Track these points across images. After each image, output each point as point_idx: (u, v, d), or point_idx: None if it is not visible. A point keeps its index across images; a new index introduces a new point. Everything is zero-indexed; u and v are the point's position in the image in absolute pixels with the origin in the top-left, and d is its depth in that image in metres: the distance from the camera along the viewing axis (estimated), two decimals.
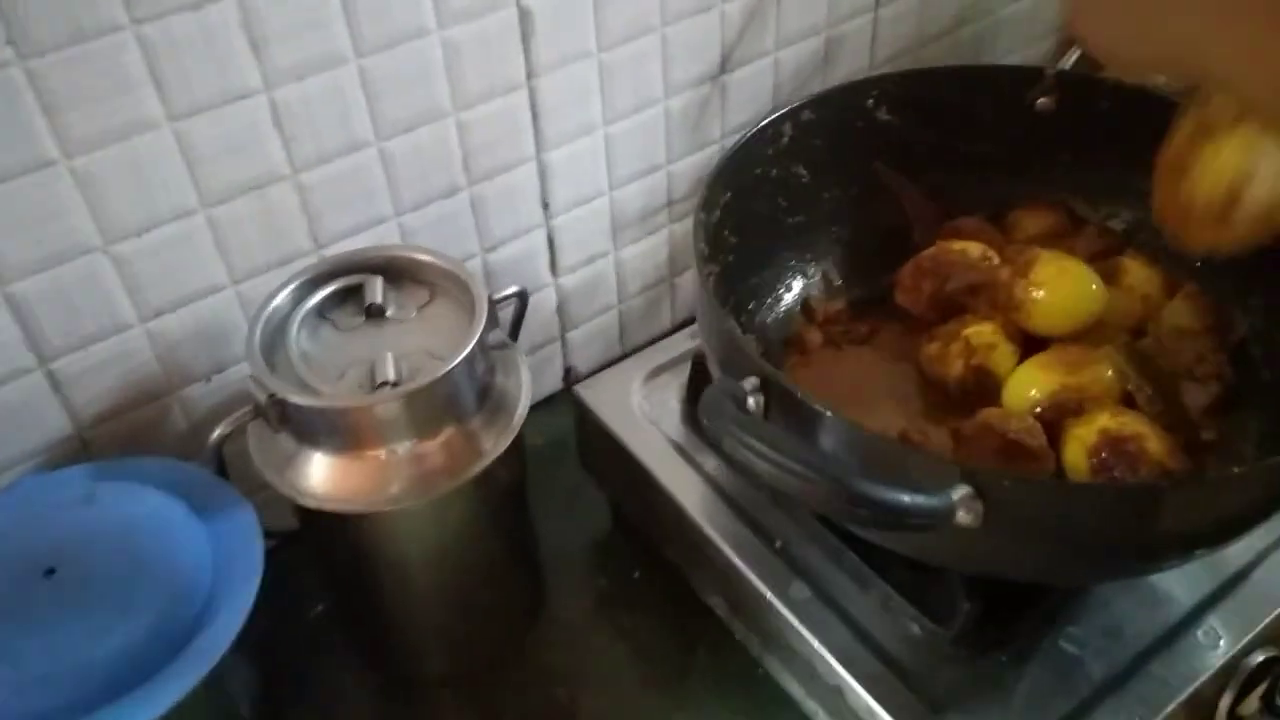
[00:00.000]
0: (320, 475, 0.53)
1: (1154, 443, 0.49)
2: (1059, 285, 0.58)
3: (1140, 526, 0.42)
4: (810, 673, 0.54)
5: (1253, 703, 0.50)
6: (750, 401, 0.45)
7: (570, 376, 0.82)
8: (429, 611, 0.62)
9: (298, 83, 0.56)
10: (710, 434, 0.41)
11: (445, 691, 0.64)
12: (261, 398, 0.51)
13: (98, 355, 0.57)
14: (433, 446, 0.53)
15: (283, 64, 0.55)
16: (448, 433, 0.54)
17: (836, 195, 0.66)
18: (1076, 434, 0.52)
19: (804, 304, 0.66)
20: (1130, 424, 0.50)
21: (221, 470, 0.54)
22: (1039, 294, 0.57)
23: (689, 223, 0.80)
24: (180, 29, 0.51)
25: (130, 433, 0.60)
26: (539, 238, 0.73)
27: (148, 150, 0.53)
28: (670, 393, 0.66)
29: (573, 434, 0.69)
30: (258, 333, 0.53)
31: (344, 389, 0.52)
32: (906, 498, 0.38)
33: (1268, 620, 0.52)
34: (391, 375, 0.52)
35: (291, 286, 0.56)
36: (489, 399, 0.56)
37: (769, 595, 0.55)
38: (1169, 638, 0.51)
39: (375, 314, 0.56)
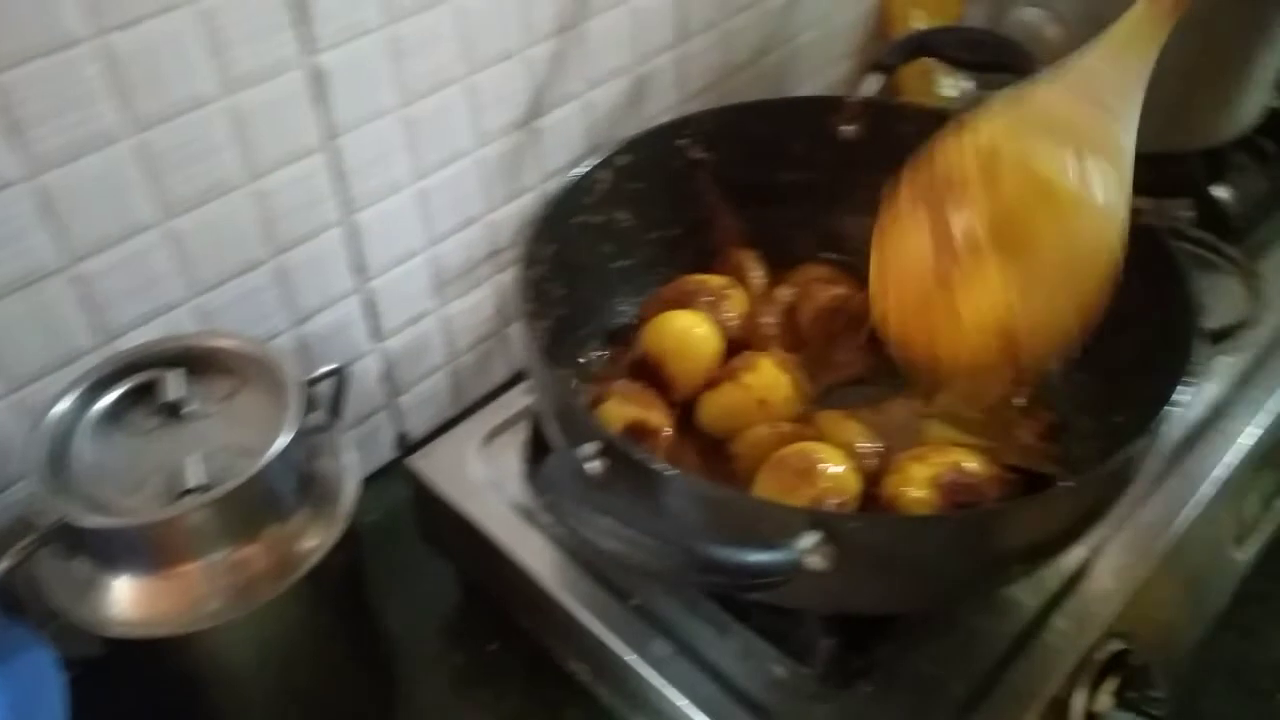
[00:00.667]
0: (126, 600, 0.48)
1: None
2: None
3: (985, 550, 0.42)
4: None
5: (1105, 699, 0.51)
6: (594, 465, 0.44)
7: (404, 443, 0.78)
8: None
9: (64, 167, 0.51)
10: (551, 512, 0.39)
11: None
12: (47, 523, 0.46)
13: None
14: (252, 551, 0.49)
15: (47, 148, 0.50)
16: (268, 534, 0.50)
17: (661, 236, 0.65)
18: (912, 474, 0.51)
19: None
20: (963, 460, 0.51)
21: (10, 603, 0.48)
22: None
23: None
24: None
25: None
26: (354, 304, 0.69)
27: None
28: (509, 454, 0.63)
29: (403, 511, 0.66)
30: (38, 448, 0.48)
31: (143, 502, 0.47)
32: (755, 557, 0.36)
33: (1112, 613, 0.54)
34: (193, 481, 0.47)
35: (76, 392, 0.50)
36: (312, 489, 0.52)
37: (629, 657, 0.53)
38: (1020, 644, 0.52)
39: (173, 412, 0.51)
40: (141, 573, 0.48)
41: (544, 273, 0.56)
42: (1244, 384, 0.65)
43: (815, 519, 0.39)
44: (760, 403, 0.56)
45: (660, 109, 0.82)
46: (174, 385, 0.51)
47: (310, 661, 0.56)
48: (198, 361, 0.53)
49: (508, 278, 0.78)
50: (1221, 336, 0.63)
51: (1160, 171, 0.77)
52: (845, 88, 0.98)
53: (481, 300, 0.77)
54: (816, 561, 0.40)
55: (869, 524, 0.42)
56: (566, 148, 0.76)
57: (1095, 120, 0.43)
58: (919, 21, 0.98)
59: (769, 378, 0.56)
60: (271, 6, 0.55)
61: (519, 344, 0.82)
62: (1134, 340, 0.52)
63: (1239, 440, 0.61)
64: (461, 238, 0.73)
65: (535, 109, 0.72)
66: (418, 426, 0.78)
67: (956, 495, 0.49)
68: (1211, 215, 0.73)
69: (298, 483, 0.51)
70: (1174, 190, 0.77)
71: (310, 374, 0.54)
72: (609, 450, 0.44)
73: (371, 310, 0.70)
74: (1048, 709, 0.51)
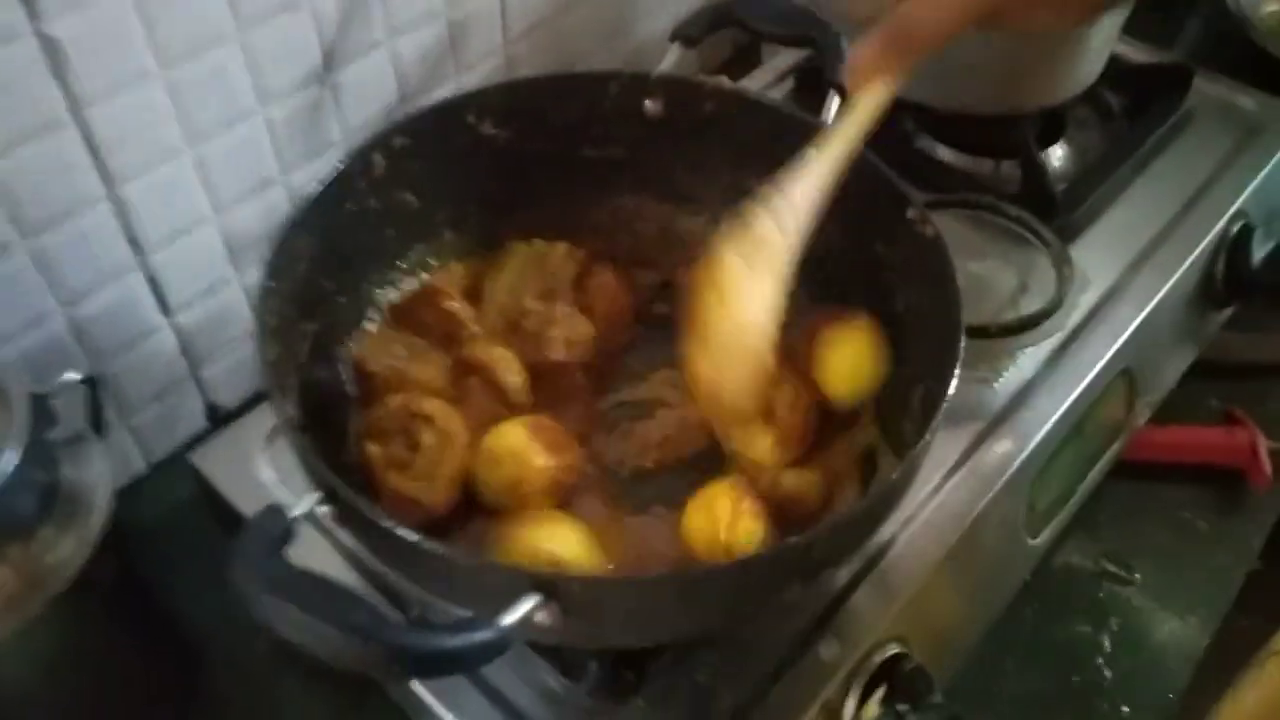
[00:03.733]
0: None
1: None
2: None
3: (715, 602, 0.41)
4: None
5: (873, 708, 0.52)
6: (318, 510, 0.41)
7: (216, 414, 0.74)
8: None
9: None
10: (243, 598, 0.37)
11: None
12: None
13: None
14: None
15: None
16: (11, 556, 0.47)
17: (451, 214, 0.61)
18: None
19: None
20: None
21: None
22: None
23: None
24: None
25: None
26: (135, 280, 0.64)
27: None
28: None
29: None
30: None
31: None
32: (456, 642, 0.35)
33: (891, 613, 0.54)
34: None
35: None
36: (57, 503, 0.49)
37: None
38: (793, 655, 0.52)
39: None
40: None
41: (306, 270, 0.52)
42: (1047, 369, 0.64)
43: (535, 581, 0.37)
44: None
45: (484, 52, 0.77)
46: None
47: (95, 670, 0.54)
48: None
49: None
50: (1027, 325, 0.62)
51: (990, 132, 0.76)
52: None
53: None
54: (543, 619, 0.38)
55: (588, 585, 0.40)
56: (375, 100, 0.71)
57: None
58: None
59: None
60: None
61: None
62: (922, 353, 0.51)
63: (1038, 428, 0.61)
64: (258, 203, 0.68)
65: (329, 61, 0.67)
66: (231, 397, 0.75)
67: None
68: (1037, 184, 0.72)
69: (39, 499, 0.48)
70: (1004, 152, 0.76)
71: (46, 384, 0.50)
72: (334, 498, 0.41)
73: (155, 285, 0.65)
74: (819, 717, 0.51)
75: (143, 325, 0.66)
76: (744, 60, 0.97)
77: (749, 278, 0.46)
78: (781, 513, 0.51)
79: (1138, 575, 0.69)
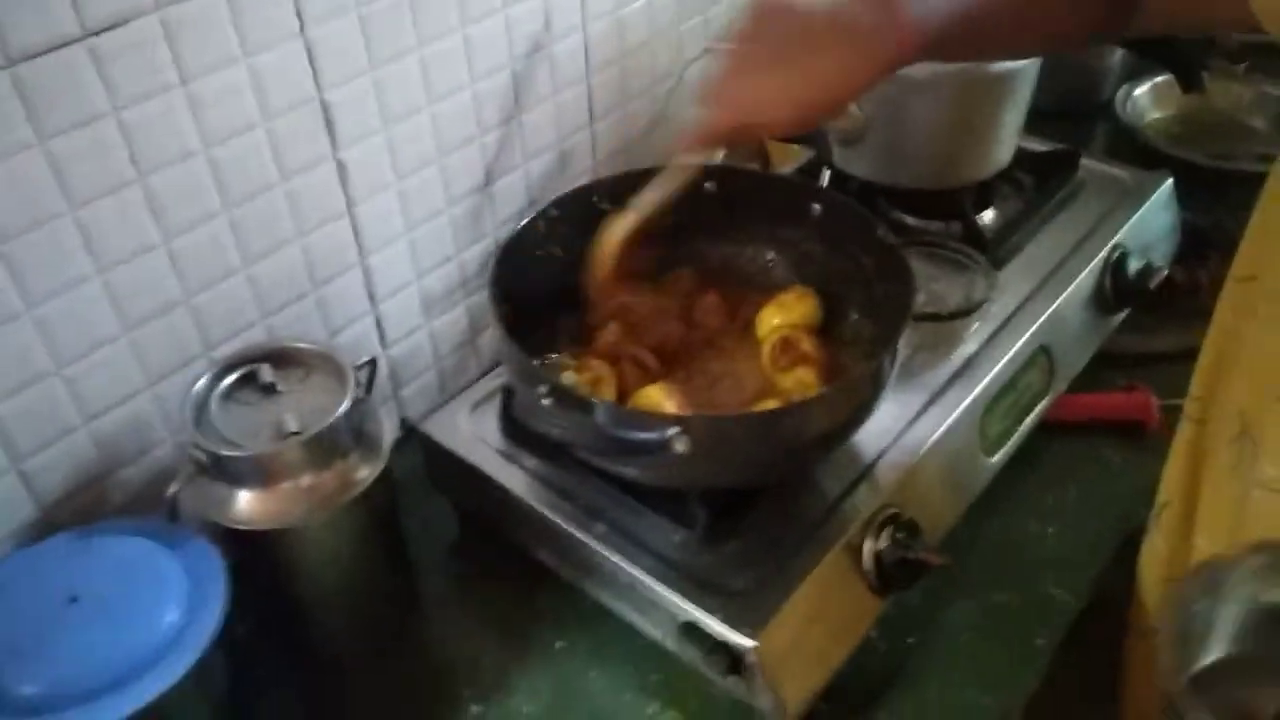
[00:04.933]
0: (245, 507, 0.74)
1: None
2: None
3: (790, 437, 0.72)
4: (615, 582, 0.79)
5: (884, 541, 0.80)
6: (544, 402, 0.72)
7: (405, 425, 1.05)
8: (334, 605, 0.84)
9: (189, 234, 0.78)
10: (526, 421, 0.67)
11: (356, 667, 0.85)
12: (204, 458, 0.72)
13: (53, 454, 0.76)
14: (326, 477, 0.76)
15: (176, 222, 0.77)
16: (335, 466, 0.76)
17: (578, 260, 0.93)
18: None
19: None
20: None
21: (173, 514, 0.74)
22: None
23: (479, 297, 1.06)
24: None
25: (81, 508, 0.79)
26: (369, 321, 0.96)
27: (83, 299, 0.74)
28: (489, 416, 0.91)
29: (412, 473, 0.92)
30: (189, 413, 0.74)
31: (259, 443, 0.74)
32: (640, 435, 0.65)
33: (889, 490, 0.83)
34: (295, 427, 0.74)
35: (204, 378, 0.77)
36: (361, 440, 0.79)
37: (580, 534, 0.80)
38: (829, 512, 0.81)
39: (269, 390, 0.78)
40: (257, 488, 0.74)
41: (505, 289, 0.83)
42: (988, 344, 0.95)
43: (674, 419, 0.68)
44: None
45: (579, 171, 1.11)
46: (268, 373, 0.78)
47: (362, 561, 0.82)
48: (279, 358, 0.80)
49: (474, 302, 1.06)
50: (970, 310, 0.94)
51: (939, 202, 1.08)
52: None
53: (456, 318, 1.05)
54: (680, 445, 0.68)
55: (708, 420, 0.70)
56: (512, 204, 1.05)
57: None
58: None
59: None
60: (310, 119, 0.83)
61: (485, 351, 1.10)
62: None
63: (983, 379, 0.91)
64: (440, 272, 1.01)
65: (489, 178, 1.00)
66: (415, 413, 1.05)
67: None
68: (974, 233, 1.04)
69: (352, 435, 0.78)
70: (950, 216, 1.08)
71: (356, 362, 0.81)
72: (554, 390, 0.72)
73: (379, 326, 0.97)
74: (848, 548, 0.79)
75: (369, 354, 0.97)
76: None
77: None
78: None
79: (1072, 491, 0.97)
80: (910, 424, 0.87)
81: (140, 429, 0.81)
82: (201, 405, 0.76)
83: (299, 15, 0.78)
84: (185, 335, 0.81)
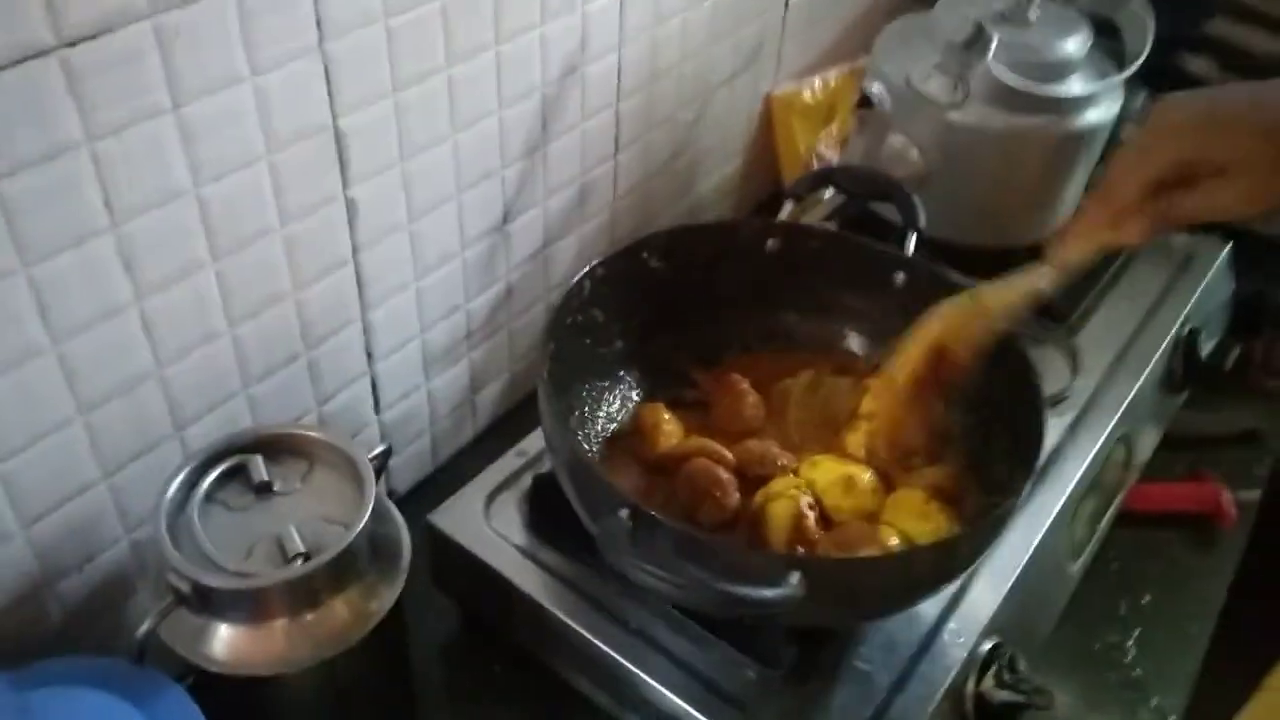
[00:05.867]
0: (236, 647, 0.59)
1: None
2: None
3: (908, 580, 0.59)
4: None
5: (989, 681, 0.69)
6: (626, 522, 0.58)
7: (392, 499, 0.89)
8: None
9: (166, 291, 0.62)
10: (614, 566, 0.53)
11: None
12: (184, 587, 0.57)
13: None
14: (338, 607, 0.61)
15: (153, 278, 0.61)
16: (349, 592, 0.61)
17: (622, 327, 0.80)
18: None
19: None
20: None
21: (141, 660, 0.58)
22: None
23: (484, 349, 0.91)
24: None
25: (10, 630, 0.62)
26: (364, 384, 0.81)
27: (34, 375, 0.57)
28: (510, 508, 0.76)
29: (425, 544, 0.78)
30: (163, 525, 0.58)
31: (257, 566, 0.59)
32: (768, 593, 0.52)
33: (988, 616, 0.72)
34: (297, 548, 0.59)
35: (180, 476, 0.61)
36: (379, 552, 0.64)
37: (631, 667, 0.67)
38: (927, 643, 0.69)
39: (264, 490, 0.62)
40: (244, 623, 0.59)
41: (560, 382, 0.70)
42: (1070, 435, 0.85)
43: (792, 562, 0.55)
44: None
45: (599, 207, 0.97)
46: (261, 468, 0.62)
47: (362, 694, 0.68)
48: (274, 446, 0.64)
49: (479, 355, 0.91)
50: (1053, 402, 0.83)
51: (999, 262, 0.98)
52: (737, 181, 1.18)
53: (459, 374, 0.90)
54: (798, 592, 0.55)
55: (834, 564, 0.58)
56: (528, 244, 0.90)
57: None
58: (801, 129, 1.17)
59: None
60: (320, 153, 0.67)
61: (484, 407, 0.96)
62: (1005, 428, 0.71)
63: (1070, 479, 0.81)
64: (446, 324, 0.86)
65: (507, 215, 0.86)
66: (403, 483, 0.90)
67: None
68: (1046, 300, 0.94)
69: (370, 547, 0.63)
70: None
71: (370, 453, 0.66)
72: (635, 514, 0.58)
73: (374, 389, 0.82)
74: (950, 693, 0.68)
75: (361, 420, 0.82)
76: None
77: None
78: None
79: (1146, 598, 0.88)
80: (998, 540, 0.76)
81: (89, 529, 0.65)
82: (176, 514, 0.60)
83: (318, 25, 0.62)
84: (152, 413, 0.65)
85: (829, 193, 1.00)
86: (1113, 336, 0.94)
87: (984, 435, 0.75)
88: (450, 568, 0.76)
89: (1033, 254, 0.99)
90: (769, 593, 0.53)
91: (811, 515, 0.69)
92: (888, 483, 0.74)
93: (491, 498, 0.77)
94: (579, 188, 0.93)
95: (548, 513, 0.74)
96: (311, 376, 0.75)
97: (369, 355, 0.80)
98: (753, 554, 0.62)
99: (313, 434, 0.65)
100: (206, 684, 0.60)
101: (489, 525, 0.75)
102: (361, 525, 0.60)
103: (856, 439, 0.75)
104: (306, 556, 0.59)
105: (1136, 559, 0.91)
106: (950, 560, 0.62)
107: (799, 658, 0.66)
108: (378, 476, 0.69)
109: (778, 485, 0.70)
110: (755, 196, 1.23)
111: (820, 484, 0.71)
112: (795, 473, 0.73)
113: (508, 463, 0.80)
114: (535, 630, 0.72)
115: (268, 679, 0.60)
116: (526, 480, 0.77)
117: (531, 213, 0.89)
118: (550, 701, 0.74)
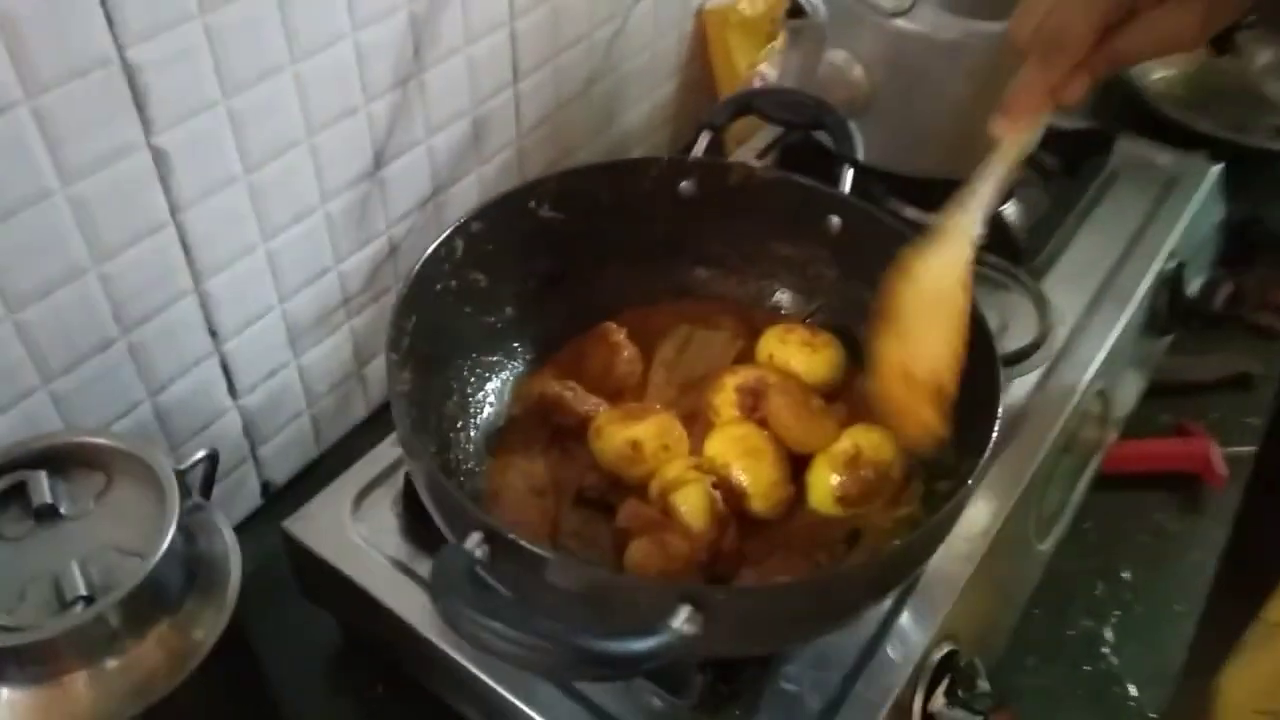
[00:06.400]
0: (14, 713, 0.48)
1: None
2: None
3: (824, 603, 0.48)
4: None
5: (939, 699, 0.59)
6: (478, 553, 0.47)
7: (268, 490, 0.78)
8: None
9: None
10: (444, 618, 0.42)
11: None
12: None
13: None
14: (144, 650, 0.50)
15: None
16: (159, 629, 0.50)
17: (514, 290, 0.68)
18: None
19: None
20: None
21: None
22: None
23: (369, 315, 0.80)
24: None
25: None
26: (211, 366, 0.69)
27: None
28: (383, 510, 0.65)
29: (284, 554, 0.67)
30: None
31: (29, 614, 0.47)
32: (639, 645, 0.41)
33: (940, 618, 0.61)
34: (83, 588, 0.48)
35: None
36: (197, 575, 0.53)
37: (515, 700, 0.57)
38: (865, 657, 0.59)
39: (46, 515, 0.51)
40: (28, 683, 0.48)
41: (409, 344, 0.58)
42: (1038, 392, 0.73)
43: (684, 594, 0.44)
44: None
45: (500, 144, 0.84)
46: (44, 487, 0.51)
47: None
48: (66, 460, 0.53)
49: (361, 322, 0.79)
50: (1019, 358, 0.72)
51: (950, 193, 0.86)
52: (671, 110, 1.04)
53: (339, 345, 0.78)
54: (689, 629, 0.44)
55: (733, 595, 0.47)
56: (412, 192, 0.78)
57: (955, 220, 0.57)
58: (740, 46, 1.03)
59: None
60: (107, 93, 0.54)
61: (376, 382, 0.84)
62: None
63: (1040, 448, 0.70)
64: (313, 290, 0.74)
65: (379, 159, 0.73)
66: (281, 472, 0.79)
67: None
68: (1006, 238, 0.82)
69: (184, 573, 0.52)
70: None
71: (181, 462, 0.55)
72: (490, 537, 0.47)
73: (226, 370, 0.70)
74: (894, 712, 0.58)
75: (215, 407, 0.71)
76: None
77: (938, 256, 0.56)
78: None
79: (1125, 573, 0.78)
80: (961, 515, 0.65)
81: None
82: None
83: None
84: None
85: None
86: (1087, 276, 0.82)
87: None
88: (315, 581, 0.65)
89: None
90: (645, 644, 0.42)
91: (718, 495, 0.59)
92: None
93: (361, 498, 0.66)
94: (470, 122, 0.80)
95: (426, 517, 0.63)
96: (136, 363, 0.63)
97: (212, 333, 0.67)
98: (636, 581, 0.50)
99: (109, 442, 0.53)
100: None
101: (356, 533, 0.64)
102: (159, 556, 0.49)
103: (726, 398, 0.64)
104: (89, 599, 0.48)
105: (1116, 528, 0.81)
106: (885, 577, 0.51)
107: (712, 683, 0.56)
108: (206, 485, 0.58)
109: (670, 472, 0.59)
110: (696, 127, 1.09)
111: (720, 458, 0.61)
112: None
113: (382, 453, 0.68)
114: (412, 656, 0.61)
115: None
116: (401, 477, 0.66)
117: (411, 154, 0.76)
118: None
